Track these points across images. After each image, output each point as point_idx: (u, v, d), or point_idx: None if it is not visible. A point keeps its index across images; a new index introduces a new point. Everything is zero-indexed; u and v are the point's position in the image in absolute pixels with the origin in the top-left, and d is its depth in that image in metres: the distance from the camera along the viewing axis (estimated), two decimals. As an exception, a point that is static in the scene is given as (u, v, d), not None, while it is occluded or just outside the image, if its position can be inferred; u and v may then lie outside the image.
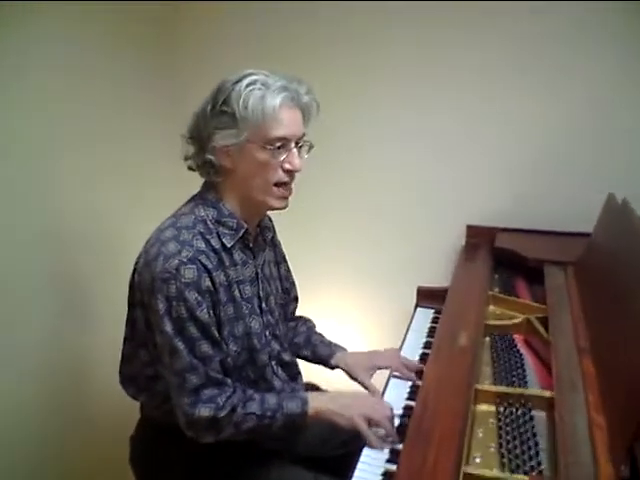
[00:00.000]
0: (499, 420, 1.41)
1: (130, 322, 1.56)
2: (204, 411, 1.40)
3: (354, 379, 1.77)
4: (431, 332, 1.98)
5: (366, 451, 1.42)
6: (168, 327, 1.39)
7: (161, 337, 1.42)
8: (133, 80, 2.43)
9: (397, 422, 1.50)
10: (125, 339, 1.60)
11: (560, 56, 2.22)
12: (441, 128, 2.42)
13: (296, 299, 1.88)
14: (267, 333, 1.60)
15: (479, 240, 2.32)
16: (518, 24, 2.23)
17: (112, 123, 2.31)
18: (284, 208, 1.52)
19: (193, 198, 1.55)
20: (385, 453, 1.41)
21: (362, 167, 2.57)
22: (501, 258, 2.19)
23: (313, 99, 1.49)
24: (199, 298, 1.40)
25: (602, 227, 1.85)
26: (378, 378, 1.77)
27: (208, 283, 1.42)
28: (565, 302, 1.80)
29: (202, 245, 1.44)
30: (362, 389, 1.73)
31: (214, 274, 1.44)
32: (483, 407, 1.47)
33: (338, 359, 1.79)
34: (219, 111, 1.41)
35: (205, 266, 1.42)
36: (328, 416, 1.48)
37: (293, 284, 1.86)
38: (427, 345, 1.89)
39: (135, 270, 1.52)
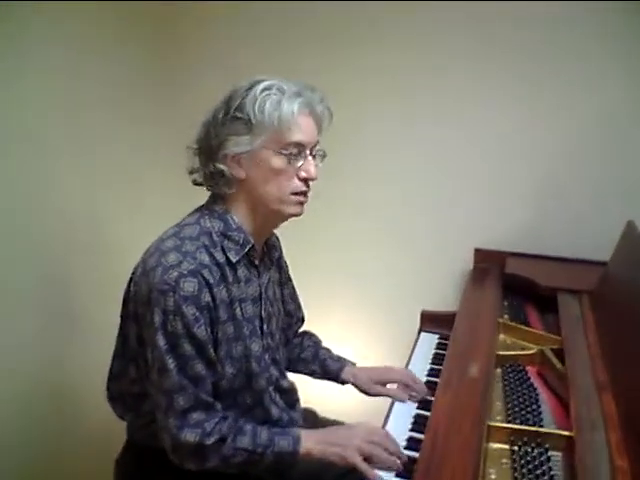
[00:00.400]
0: (513, 461, 1.31)
1: (121, 337, 1.48)
2: (190, 436, 1.31)
3: (364, 392, 1.72)
4: (436, 358, 1.90)
5: None
6: (161, 342, 1.30)
7: (153, 353, 1.33)
8: (133, 83, 2.38)
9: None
10: (115, 355, 1.51)
11: (568, 74, 2.17)
12: (449, 149, 2.36)
13: (302, 320, 1.81)
14: (267, 357, 1.51)
15: (487, 265, 2.24)
16: (524, 45, 2.19)
17: (112, 126, 2.25)
18: (299, 215, 1.44)
19: (199, 209, 1.47)
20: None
21: (368, 188, 2.50)
22: (511, 284, 2.10)
23: (327, 107, 1.43)
24: (197, 314, 1.31)
25: (620, 256, 1.77)
26: (379, 405, 1.71)
27: (208, 298, 1.33)
28: (581, 334, 1.71)
29: (205, 258, 1.35)
30: (363, 417, 1.60)
31: (215, 289, 1.35)
32: (496, 445, 1.37)
33: (348, 373, 1.73)
34: (232, 117, 1.34)
35: (207, 280, 1.33)
36: (320, 455, 1.38)
37: (299, 306, 1.78)
38: (432, 372, 1.80)
39: (131, 280, 1.42)
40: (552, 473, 1.25)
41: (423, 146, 2.39)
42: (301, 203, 1.42)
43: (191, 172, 1.46)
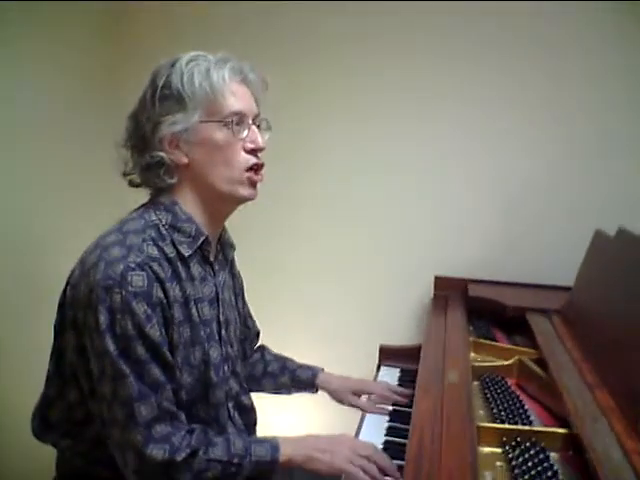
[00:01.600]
0: (509, 461, 1.17)
1: (55, 354, 1.28)
2: (157, 453, 1.13)
3: (338, 400, 1.64)
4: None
5: None
6: (110, 346, 1.12)
7: (100, 360, 1.14)
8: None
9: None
10: (48, 377, 1.30)
11: (534, 109, 2.19)
12: (407, 176, 2.32)
13: (258, 335, 1.67)
14: (226, 368, 1.34)
15: (449, 292, 2.14)
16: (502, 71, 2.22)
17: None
18: (253, 198, 1.30)
19: (142, 205, 1.32)
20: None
21: (324, 219, 2.42)
22: (476, 309, 2.00)
23: (259, 76, 1.31)
24: (149, 311, 1.15)
25: (592, 262, 1.72)
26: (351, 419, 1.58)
27: (160, 294, 1.17)
28: (557, 343, 1.62)
29: (154, 251, 1.20)
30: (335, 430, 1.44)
31: (167, 285, 1.19)
32: (487, 449, 1.22)
33: (322, 381, 1.63)
34: (161, 96, 1.22)
35: (157, 274, 1.17)
36: (302, 464, 1.22)
37: (253, 320, 1.65)
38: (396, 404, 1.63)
39: (67, 285, 1.24)
40: (555, 469, 1.12)
41: (380, 174, 2.34)
42: (254, 183, 1.29)
43: (125, 174, 1.31)
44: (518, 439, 1.21)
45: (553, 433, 1.23)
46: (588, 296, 1.67)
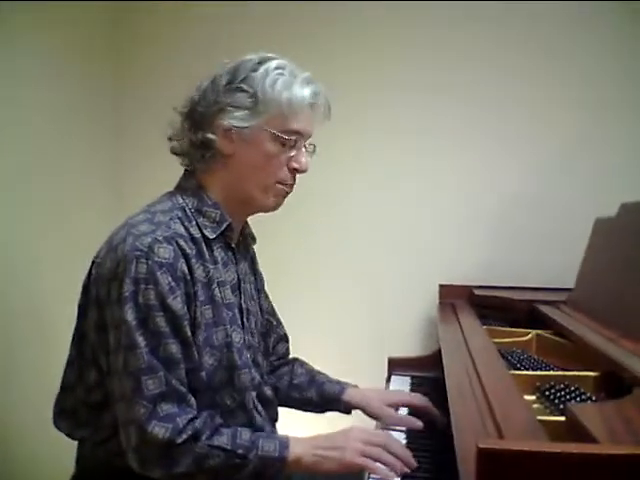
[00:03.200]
0: (547, 397, 1.18)
1: (77, 336, 1.28)
2: (159, 430, 1.10)
3: (373, 416, 1.51)
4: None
5: None
6: (130, 315, 1.13)
7: (118, 331, 1.15)
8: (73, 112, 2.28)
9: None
10: (68, 362, 1.30)
11: (526, 118, 2.30)
12: (407, 191, 2.40)
13: (286, 339, 1.63)
14: (248, 355, 1.33)
15: (454, 300, 2.17)
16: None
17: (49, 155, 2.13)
18: (275, 209, 1.34)
19: (170, 191, 1.35)
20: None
21: (330, 229, 2.46)
22: (483, 314, 2.02)
23: (328, 103, 1.34)
24: (172, 284, 1.16)
25: (598, 246, 1.77)
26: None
27: (185, 269, 1.19)
28: (573, 320, 1.64)
29: (180, 229, 1.23)
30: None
31: (192, 262, 1.21)
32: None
33: (352, 395, 1.52)
34: (236, 88, 1.25)
35: (183, 249, 1.20)
36: (313, 465, 1.19)
37: (280, 322, 1.62)
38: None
39: (92, 265, 1.26)
40: (594, 399, 1.14)
41: (382, 189, 2.41)
42: (282, 196, 1.33)
43: (171, 138, 1.34)
44: (552, 382, 1.23)
45: (585, 377, 1.25)
46: (596, 279, 1.71)
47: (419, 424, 1.43)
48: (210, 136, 1.26)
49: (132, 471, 1.16)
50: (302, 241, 2.45)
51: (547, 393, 1.18)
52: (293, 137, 1.28)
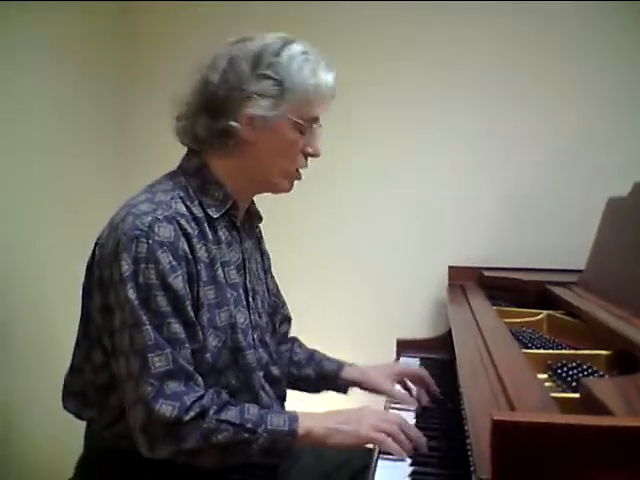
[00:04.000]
0: (559, 375, 1.16)
1: (84, 317, 1.27)
2: (166, 408, 1.09)
3: (373, 390, 1.51)
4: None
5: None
6: (132, 294, 1.12)
7: (122, 311, 1.14)
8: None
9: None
10: (76, 343, 1.30)
11: (530, 102, 2.28)
12: (415, 174, 2.38)
13: (289, 320, 1.62)
14: (255, 335, 1.32)
15: (464, 282, 2.16)
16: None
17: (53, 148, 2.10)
18: (288, 191, 1.34)
19: (172, 171, 1.33)
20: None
21: (338, 213, 2.45)
22: (493, 295, 2.00)
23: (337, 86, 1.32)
24: (174, 263, 1.15)
25: (610, 226, 1.75)
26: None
27: (186, 248, 1.17)
28: (584, 299, 1.62)
29: (182, 208, 1.21)
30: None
31: (194, 241, 1.19)
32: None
33: (350, 371, 1.52)
34: (263, 74, 1.21)
35: (184, 229, 1.18)
36: (324, 438, 1.17)
37: (284, 303, 1.61)
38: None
39: (96, 246, 1.25)
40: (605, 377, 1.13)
41: (390, 172, 2.40)
42: (294, 180, 1.33)
43: (179, 120, 1.30)
44: (564, 361, 1.21)
45: (597, 355, 1.24)
46: (607, 259, 1.70)
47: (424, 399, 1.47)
48: (233, 124, 1.23)
49: (138, 454, 1.15)
50: (311, 223, 2.44)
51: (559, 371, 1.17)
52: (311, 124, 1.27)
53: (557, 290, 1.77)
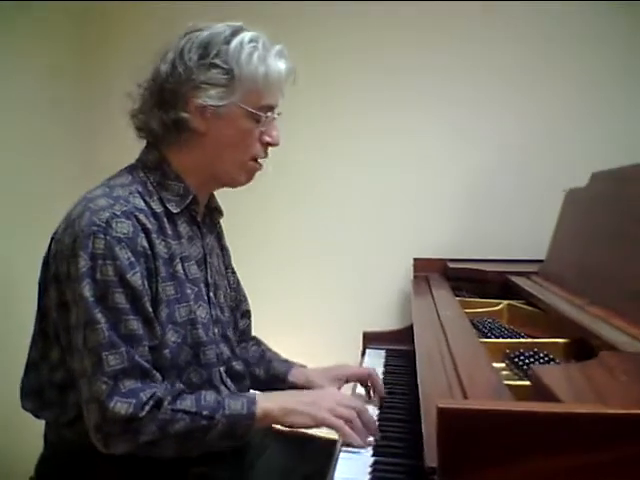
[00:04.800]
0: (515, 364, 1.18)
1: (40, 313, 1.25)
2: (121, 406, 1.07)
3: None
4: (388, 366, 1.75)
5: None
6: (88, 292, 1.09)
7: (76, 309, 1.12)
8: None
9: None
10: (32, 341, 1.27)
11: (490, 95, 2.31)
12: (379, 164, 2.39)
13: (249, 314, 1.59)
14: (216, 330, 1.31)
15: (429, 273, 2.17)
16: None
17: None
18: (246, 183, 1.32)
19: (130, 164, 1.31)
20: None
21: (303, 207, 2.46)
22: (457, 287, 2.03)
23: (294, 69, 1.29)
24: (132, 259, 1.12)
25: (569, 216, 1.78)
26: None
27: (145, 244, 1.15)
28: (544, 290, 1.65)
29: (140, 203, 1.19)
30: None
31: (153, 236, 1.17)
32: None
33: (297, 374, 1.49)
34: (212, 64, 1.19)
35: (143, 224, 1.16)
36: (282, 418, 1.18)
37: (245, 297, 1.58)
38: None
39: (52, 241, 1.23)
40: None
41: (354, 165, 2.41)
42: (253, 172, 1.31)
43: (134, 115, 1.29)
44: (521, 350, 1.23)
45: (554, 343, 1.26)
46: (566, 248, 1.72)
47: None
48: (184, 115, 1.21)
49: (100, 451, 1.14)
50: (275, 217, 2.44)
51: (516, 360, 1.18)
52: (265, 112, 1.24)
53: (518, 280, 1.80)
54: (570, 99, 2.25)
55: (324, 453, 1.33)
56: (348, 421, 1.16)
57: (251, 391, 1.36)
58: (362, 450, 1.15)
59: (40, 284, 1.24)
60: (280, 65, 1.23)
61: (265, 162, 1.32)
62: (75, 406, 1.18)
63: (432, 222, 2.34)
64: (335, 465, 1.11)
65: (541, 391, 0.78)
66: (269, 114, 1.26)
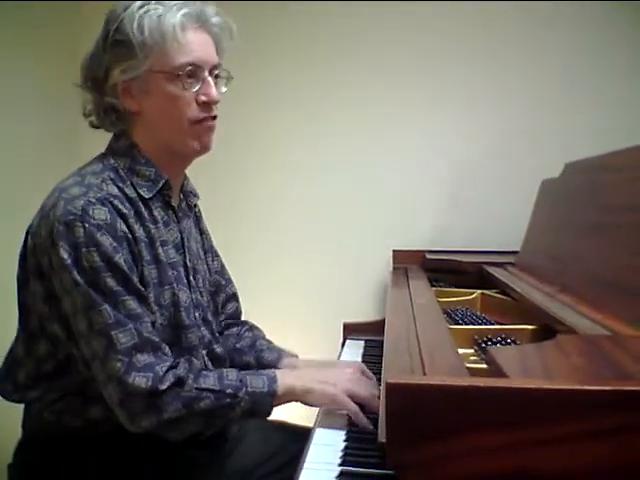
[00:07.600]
0: (483, 350, 1.19)
1: (21, 309, 1.25)
2: (140, 380, 1.08)
3: None
4: (367, 356, 1.75)
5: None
6: (79, 279, 1.10)
7: (72, 296, 1.11)
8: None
9: None
10: (15, 339, 1.27)
11: (472, 91, 2.32)
12: (359, 156, 2.40)
13: (236, 297, 1.59)
14: (197, 314, 1.32)
15: (408, 265, 2.19)
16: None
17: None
18: (207, 151, 1.28)
19: (101, 153, 1.31)
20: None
21: (283, 198, 2.46)
22: (435, 275, 2.05)
23: (224, 21, 1.27)
24: (115, 244, 1.12)
25: (544, 207, 1.79)
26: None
27: (124, 228, 1.16)
28: (517, 280, 1.66)
29: (114, 190, 1.19)
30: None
31: (130, 221, 1.18)
32: (460, 351, 1.23)
33: (287, 364, 1.48)
34: (113, 41, 1.19)
35: (119, 210, 1.16)
36: (302, 396, 1.20)
37: (229, 280, 1.58)
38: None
39: (27, 235, 1.22)
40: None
41: (333, 157, 2.42)
42: (205, 135, 1.26)
43: (86, 115, 1.30)
44: (489, 336, 1.25)
45: (522, 330, 1.27)
46: (539, 238, 1.74)
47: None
48: (110, 100, 1.22)
49: (79, 431, 1.16)
50: (255, 208, 2.45)
51: (483, 345, 1.20)
52: (189, 72, 1.20)
53: (493, 270, 1.81)
54: (551, 93, 2.26)
55: (300, 440, 1.34)
56: (365, 405, 1.18)
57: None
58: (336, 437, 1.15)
59: (19, 280, 1.24)
60: (176, 18, 1.18)
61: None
62: (61, 389, 1.20)
63: (413, 215, 2.35)
64: (306, 453, 1.12)
65: (493, 369, 0.79)
66: (189, 70, 1.20)
